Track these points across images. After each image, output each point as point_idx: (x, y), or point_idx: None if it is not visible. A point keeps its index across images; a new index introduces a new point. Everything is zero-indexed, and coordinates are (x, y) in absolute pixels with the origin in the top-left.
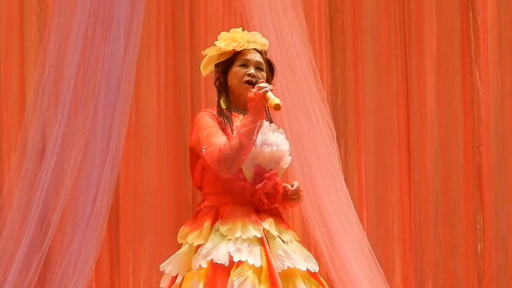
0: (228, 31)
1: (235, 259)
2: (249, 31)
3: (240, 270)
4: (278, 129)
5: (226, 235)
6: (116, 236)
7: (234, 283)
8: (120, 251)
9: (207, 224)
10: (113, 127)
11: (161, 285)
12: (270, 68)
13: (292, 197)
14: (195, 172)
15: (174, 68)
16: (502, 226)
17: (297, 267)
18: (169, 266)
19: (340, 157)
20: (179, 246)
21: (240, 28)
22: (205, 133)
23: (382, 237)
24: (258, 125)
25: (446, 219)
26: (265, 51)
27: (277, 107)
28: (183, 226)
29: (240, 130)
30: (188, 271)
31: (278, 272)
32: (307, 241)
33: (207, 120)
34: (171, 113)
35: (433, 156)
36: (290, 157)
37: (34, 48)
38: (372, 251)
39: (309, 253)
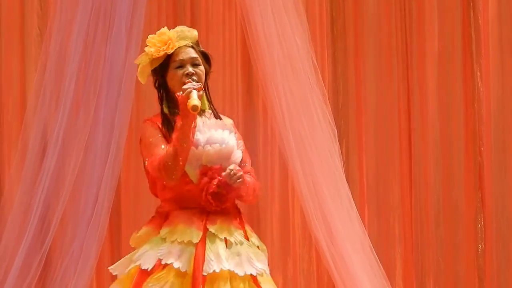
0: (229, 29)
1: (163, 262)
2: (250, 29)
3: (162, 274)
4: (226, 124)
5: (165, 238)
6: (117, 236)
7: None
8: (121, 251)
9: (145, 229)
10: (114, 127)
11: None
12: (206, 58)
13: (230, 182)
14: (149, 180)
15: None
16: (503, 226)
17: (233, 270)
18: (116, 270)
19: (342, 157)
20: None
21: (166, 28)
22: (146, 145)
23: (383, 236)
24: (189, 128)
25: (447, 219)
26: (197, 41)
27: (194, 109)
28: (136, 231)
29: (174, 136)
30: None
31: (204, 275)
32: (308, 240)
33: (150, 130)
34: None
35: (434, 156)
36: (239, 151)
37: (35, 48)
38: (373, 251)
39: (258, 252)
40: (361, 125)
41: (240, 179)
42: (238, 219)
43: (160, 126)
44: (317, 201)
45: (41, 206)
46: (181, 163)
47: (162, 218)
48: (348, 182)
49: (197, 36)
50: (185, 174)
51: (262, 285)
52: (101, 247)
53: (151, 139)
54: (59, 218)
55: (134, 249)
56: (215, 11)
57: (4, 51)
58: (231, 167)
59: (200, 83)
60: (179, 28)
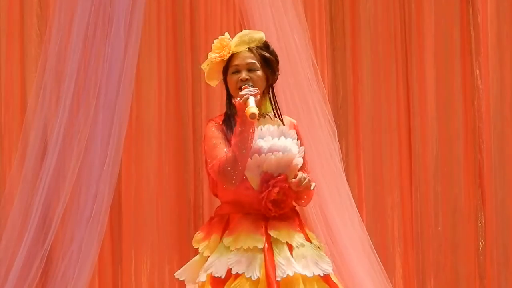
0: (228, 30)
1: (233, 272)
2: (249, 28)
3: (238, 283)
4: (289, 130)
5: (229, 247)
6: (118, 235)
7: None
8: (122, 250)
9: (215, 236)
10: (113, 126)
11: None
12: (267, 62)
13: (296, 189)
14: (210, 180)
15: (174, 67)
16: (503, 224)
17: (302, 273)
18: (184, 275)
19: (341, 156)
20: (181, 245)
21: (227, 33)
22: (208, 146)
23: (382, 235)
24: (248, 134)
25: (447, 217)
26: (262, 44)
27: (252, 116)
28: (198, 232)
29: (233, 142)
30: (194, 281)
31: (278, 281)
32: None
33: (212, 131)
34: (172, 112)
35: (433, 154)
36: (300, 159)
37: (34, 48)
38: (373, 249)
39: (321, 253)
40: (360, 124)
41: (306, 186)
42: (297, 222)
43: (222, 126)
44: (317, 199)
45: (41, 205)
46: (240, 168)
47: (223, 221)
48: (348, 180)
49: (262, 39)
50: (245, 180)
51: (336, 283)
52: (100, 245)
53: (214, 141)
54: (59, 217)
55: (197, 251)
56: (214, 11)
57: (4, 51)
58: (300, 174)
59: (256, 88)
60: (243, 33)
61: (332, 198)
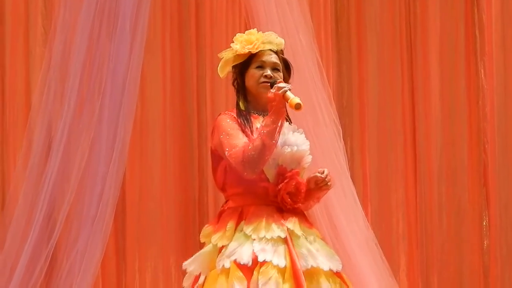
0: (233, 29)
1: (260, 259)
2: (254, 27)
3: (265, 269)
4: (298, 129)
5: (250, 235)
6: (122, 233)
7: (259, 282)
8: (126, 248)
9: (230, 225)
10: (118, 125)
11: (183, 284)
12: (287, 67)
13: (321, 184)
14: (217, 174)
15: (180, 66)
16: (508, 223)
17: (320, 266)
18: (192, 265)
19: (346, 155)
20: (185, 243)
21: (255, 29)
22: (226, 136)
23: (387, 233)
24: (279, 125)
25: (452, 216)
26: (281, 50)
27: (297, 106)
28: (206, 226)
29: (262, 131)
30: (211, 271)
31: (302, 271)
32: None
33: (227, 122)
34: (177, 110)
35: (438, 154)
36: (310, 156)
37: (39, 47)
38: (378, 246)
39: (332, 250)
40: (365, 123)
41: (328, 186)
42: (307, 220)
43: (238, 119)
44: (322, 198)
45: (46, 204)
46: (267, 157)
47: (236, 213)
48: (353, 179)
49: (283, 45)
50: (262, 171)
51: (346, 281)
52: (105, 244)
53: (231, 131)
54: (64, 215)
55: (203, 245)
56: (220, 10)
57: (9, 50)
58: (326, 171)
59: (290, 84)
60: (268, 33)
61: (337, 196)
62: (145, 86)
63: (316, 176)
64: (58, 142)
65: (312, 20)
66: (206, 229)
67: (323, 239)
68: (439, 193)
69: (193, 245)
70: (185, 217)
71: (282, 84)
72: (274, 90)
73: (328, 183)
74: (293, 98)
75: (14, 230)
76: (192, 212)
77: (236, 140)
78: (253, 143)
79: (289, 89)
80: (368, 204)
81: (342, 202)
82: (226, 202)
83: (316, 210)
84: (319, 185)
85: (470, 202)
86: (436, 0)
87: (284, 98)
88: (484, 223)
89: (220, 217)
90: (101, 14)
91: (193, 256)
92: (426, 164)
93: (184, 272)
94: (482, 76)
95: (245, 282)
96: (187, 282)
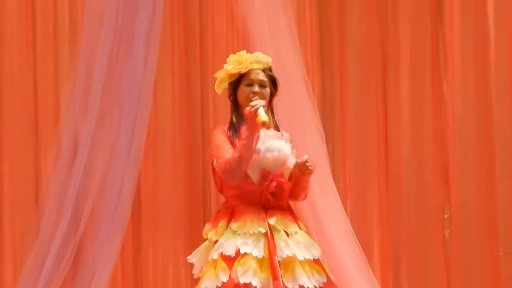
0: (232, 50)
1: (242, 251)
2: (250, 49)
3: (244, 260)
4: (283, 136)
5: (236, 231)
6: (138, 226)
7: (238, 271)
8: (141, 240)
9: (222, 222)
10: (134, 132)
11: (193, 271)
12: (274, 83)
13: (302, 169)
14: (216, 179)
15: (186, 81)
16: (466, 215)
17: (296, 256)
18: (194, 258)
19: (329, 157)
20: (192, 236)
21: (245, 51)
22: (215, 148)
23: (363, 225)
24: (253, 138)
25: (418, 209)
26: (269, 67)
27: (263, 124)
28: (207, 224)
29: (240, 144)
30: (204, 262)
31: (279, 261)
32: None
33: (219, 136)
34: (184, 120)
35: (407, 155)
36: (294, 159)
37: (66, 67)
38: (355, 237)
39: (312, 241)
40: (345, 130)
41: (309, 170)
42: (291, 214)
43: (228, 132)
44: (308, 196)
45: (73, 200)
46: (244, 167)
47: (228, 212)
48: (334, 178)
49: (270, 62)
50: (247, 176)
51: (324, 267)
52: (124, 236)
53: (220, 143)
54: (88, 211)
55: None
56: (220, 33)
57: (41, 70)
58: (306, 156)
59: (264, 100)
60: (256, 54)
61: (321, 194)
62: (156, 99)
63: (297, 162)
64: (83, 147)
65: (300, 42)
66: (207, 227)
67: (307, 231)
68: (407, 190)
69: (199, 237)
70: (192, 213)
71: (255, 102)
72: (248, 108)
73: (310, 168)
74: (261, 116)
75: (46, 223)
76: (197, 208)
77: (223, 152)
78: (233, 155)
79: (262, 106)
80: (347, 199)
81: (325, 199)
82: (224, 202)
83: (303, 206)
84: (302, 171)
85: (434, 197)
86: (406, 24)
87: (255, 115)
88: (446, 216)
89: (217, 215)
90: (118, 36)
91: (195, 250)
92: (396, 164)
93: (190, 263)
94: (445, 89)
95: (228, 272)
96: (196, 270)
